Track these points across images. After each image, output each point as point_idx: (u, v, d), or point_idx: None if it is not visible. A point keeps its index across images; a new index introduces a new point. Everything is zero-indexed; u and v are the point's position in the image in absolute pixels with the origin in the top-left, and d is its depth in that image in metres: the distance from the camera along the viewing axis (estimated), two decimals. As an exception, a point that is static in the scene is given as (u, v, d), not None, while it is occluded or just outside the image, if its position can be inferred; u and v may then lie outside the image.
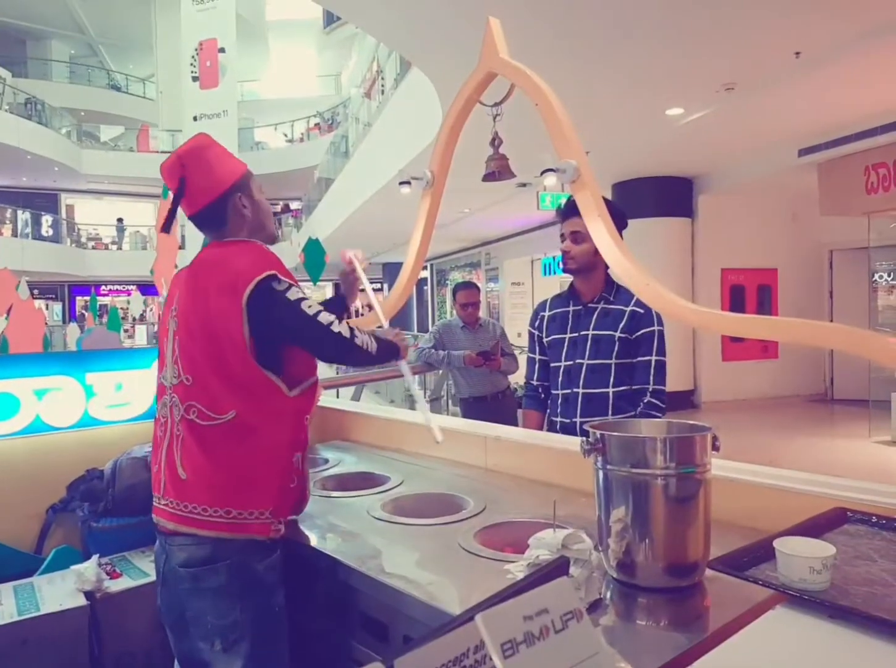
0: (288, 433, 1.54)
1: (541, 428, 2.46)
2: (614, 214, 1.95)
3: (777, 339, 1.62)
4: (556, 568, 0.76)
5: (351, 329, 1.54)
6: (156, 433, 1.62)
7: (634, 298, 2.27)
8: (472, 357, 4.31)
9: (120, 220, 22.63)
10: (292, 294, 1.50)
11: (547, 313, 2.46)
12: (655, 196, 9.66)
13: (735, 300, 10.12)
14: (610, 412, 2.25)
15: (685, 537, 1.24)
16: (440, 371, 5.65)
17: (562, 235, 2.37)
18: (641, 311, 2.26)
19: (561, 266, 2.41)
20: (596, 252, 2.28)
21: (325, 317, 1.51)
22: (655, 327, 2.28)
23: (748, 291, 10.28)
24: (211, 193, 1.57)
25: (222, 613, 1.45)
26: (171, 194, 1.63)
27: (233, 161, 1.65)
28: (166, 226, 1.72)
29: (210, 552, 1.46)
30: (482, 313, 4.79)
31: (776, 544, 1.04)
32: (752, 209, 9.82)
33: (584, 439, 1.32)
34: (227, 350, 1.47)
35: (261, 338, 1.48)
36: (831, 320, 9.88)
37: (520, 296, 15.71)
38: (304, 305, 1.49)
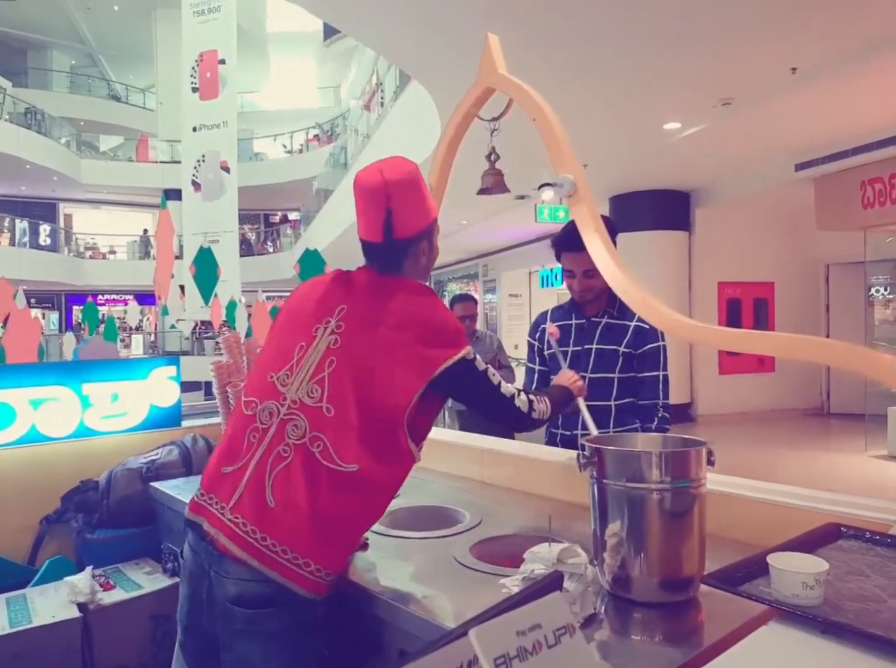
0: (390, 499, 1.45)
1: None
2: (608, 228, 1.95)
3: (774, 354, 1.63)
4: (550, 583, 0.76)
5: (530, 401, 1.54)
6: (239, 434, 1.42)
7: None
8: (469, 369, 4.31)
9: (145, 231, 22.57)
10: (479, 364, 1.46)
11: (548, 326, 2.45)
12: (652, 210, 9.72)
13: (732, 314, 10.16)
14: (612, 425, 2.25)
15: (680, 551, 1.24)
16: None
17: (569, 271, 2.33)
18: (646, 326, 2.26)
19: (578, 299, 2.38)
20: None
21: (507, 389, 1.50)
22: (660, 343, 2.30)
23: (745, 305, 10.32)
24: (407, 232, 1.47)
25: (271, 656, 1.33)
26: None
27: (431, 202, 1.54)
28: (368, 256, 1.56)
29: (272, 595, 1.31)
30: (479, 325, 4.80)
31: (769, 559, 1.04)
32: (748, 223, 9.87)
33: (580, 452, 1.33)
34: (383, 408, 1.36)
35: (425, 405, 1.40)
36: (828, 335, 9.93)
37: (517, 308, 15.75)
38: (490, 376, 1.47)
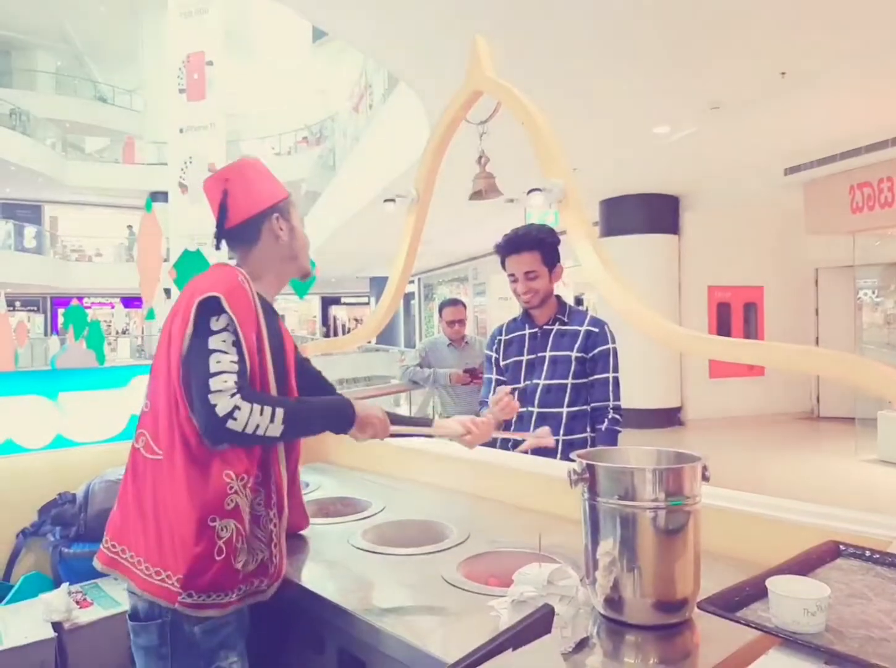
0: (204, 491, 1.32)
1: None
2: (553, 240, 2.26)
3: (766, 365, 1.59)
4: (541, 618, 0.71)
5: (235, 407, 1.26)
6: None
7: (588, 318, 2.41)
8: (458, 375, 4.27)
9: (130, 227, 22.25)
10: (217, 339, 1.33)
11: (504, 337, 2.52)
12: (642, 213, 9.73)
13: (721, 318, 10.17)
14: (562, 432, 2.32)
15: (674, 571, 1.19)
16: (426, 389, 5.60)
17: (512, 275, 2.40)
18: (596, 330, 2.36)
19: (524, 304, 2.44)
20: (550, 280, 2.40)
21: (219, 382, 1.28)
22: (610, 346, 2.37)
23: (734, 309, 10.33)
24: (250, 209, 1.52)
25: None
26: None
27: (276, 183, 1.60)
28: (217, 243, 1.57)
29: (147, 608, 1.34)
30: (469, 328, 4.76)
31: (769, 584, 1.00)
32: (738, 227, 9.89)
33: (571, 469, 1.28)
34: (174, 379, 1.36)
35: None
36: (817, 338, 9.95)
37: (507, 311, 15.72)
38: (213, 357, 1.31)
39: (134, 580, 1.34)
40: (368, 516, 1.93)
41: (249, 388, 1.34)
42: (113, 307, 21.72)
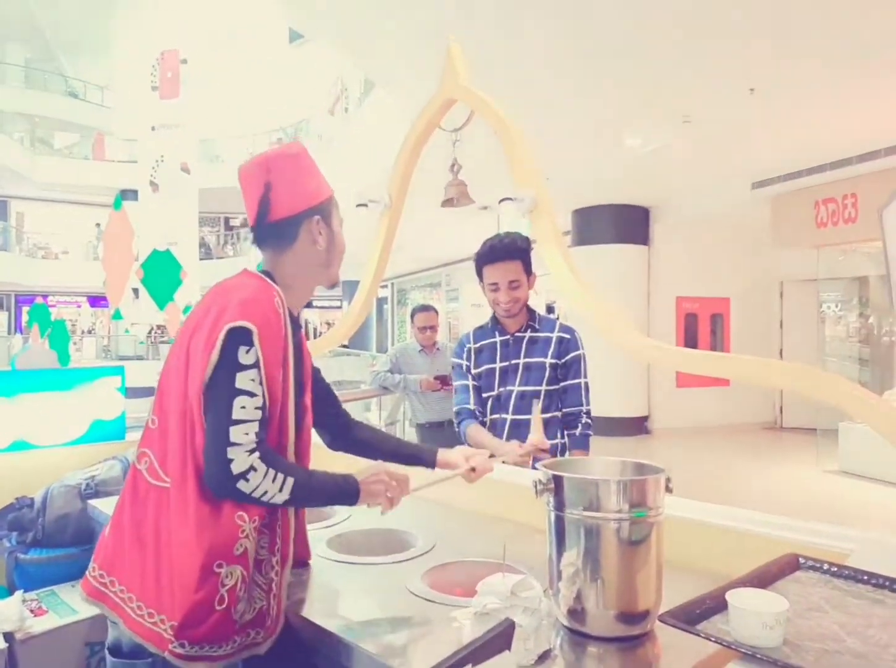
0: (213, 532, 1.21)
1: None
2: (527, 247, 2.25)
3: (732, 378, 1.61)
4: (501, 633, 0.71)
5: (252, 468, 1.18)
6: None
7: (558, 325, 2.45)
8: (428, 382, 4.26)
9: (98, 225, 21.83)
10: (245, 377, 1.21)
11: (473, 345, 2.50)
12: (613, 223, 9.85)
13: (689, 328, 10.31)
14: None
15: (637, 583, 1.20)
16: (396, 395, 5.58)
17: (494, 285, 2.37)
18: (567, 336, 2.40)
19: (504, 313, 2.39)
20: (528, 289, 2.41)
21: (243, 432, 1.19)
22: (581, 351, 2.41)
23: (701, 320, 10.49)
24: (292, 207, 1.37)
25: None
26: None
27: (321, 179, 1.44)
28: (257, 241, 1.44)
29: (133, 646, 1.23)
30: (441, 335, 4.76)
31: (729, 597, 1.01)
32: (706, 239, 10.04)
33: (537, 479, 1.28)
34: (193, 405, 1.25)
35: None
36: (781, 350, 10.13)
37: (479, 318, 15.74)
38: (238, 400, 1.20)
39: (123, 617, 1.23)
40: (333, 525, 1.91)
41: (267, 444, 1.25)
42: (79, 306, 21.33)
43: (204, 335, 1.24)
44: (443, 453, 1.65)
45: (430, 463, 1.64)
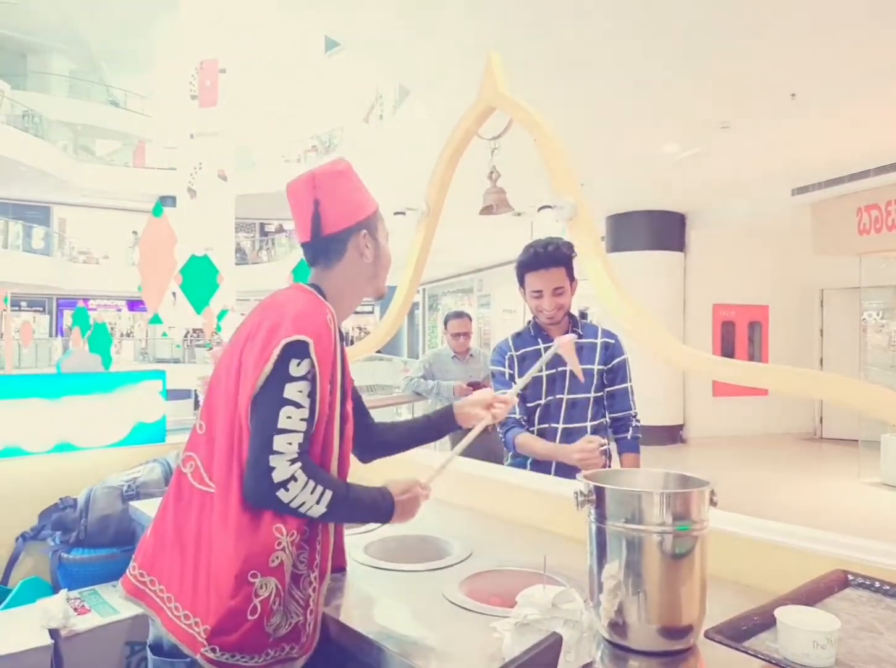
0: (251, 542, 1.22)
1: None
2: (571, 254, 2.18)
3: (772, 389, 1.58)
4: (549, 647, 0.70)
5: (293, 478, 1.20)
6: None
7: (600, 330, 2.41)
8: (462, 388, 4.26)
9: (135, 232, 22.34)
10: (294, 388, 1.23)
11: (514, 353, 2.38)
12: (649, 230, 9.74)
13: (726, 336, 10.14)
14: None
15: (680, 597, 1.17)
16: (429, 401, 5.59)
17: (537, 292, 2.29)
18: (612, 341, 2.38)
19: (547, 320, 2.32)
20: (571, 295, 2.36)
21: (286, 442, 1.20)
22: (625, 356, 2.39)
23: (738, 328, 10.32)
24: (340, 223, 1.41)
25: None
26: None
27: (367, 194, 1.48)
28: (309, 258, 1.47)
29: (173, 646, 1.25)
30: (473, 341, 4.75)
31: (778, 614, 0.99)
32: (744, 246, 9.89)
33: (578, 490, 1.27)
34: (242, 414, 1.26)
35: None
36: (821, 359, 9.91)
37: (511, 324, 15.72)
38: (285, 410, 1.22)
39: (161, 617, 1.26)
40: (370, 531, 1.91)
41: (308, 456, 1.26)
42: (119, 310, 21.79)
43: (258, 347, 1.26)
44: (459, 408, 1.66)
45: (455, 425, 1.67)
